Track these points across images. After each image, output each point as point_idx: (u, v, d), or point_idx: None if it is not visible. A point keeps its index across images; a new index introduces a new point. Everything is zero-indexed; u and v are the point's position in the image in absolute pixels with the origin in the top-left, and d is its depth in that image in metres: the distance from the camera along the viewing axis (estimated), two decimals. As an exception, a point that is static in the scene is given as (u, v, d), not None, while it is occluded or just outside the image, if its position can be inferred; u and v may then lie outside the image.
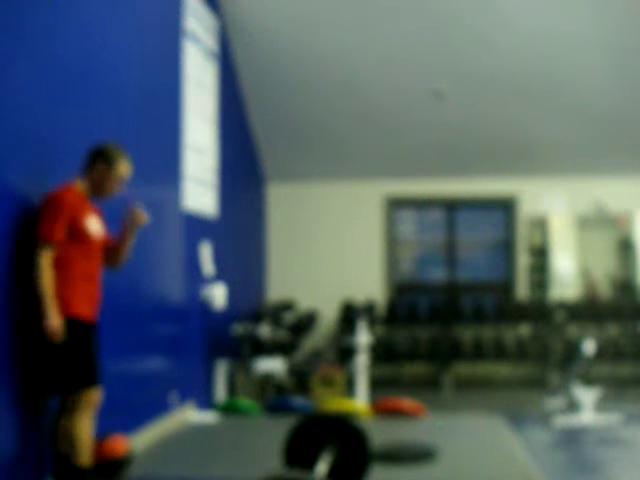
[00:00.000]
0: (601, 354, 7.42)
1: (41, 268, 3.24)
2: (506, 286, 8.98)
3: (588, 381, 7.16)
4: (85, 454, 3.43)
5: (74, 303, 3.35)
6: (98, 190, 3.53)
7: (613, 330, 8.50)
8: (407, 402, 5.82)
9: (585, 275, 8.73)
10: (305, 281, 8.79)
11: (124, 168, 3.54)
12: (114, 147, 3.55)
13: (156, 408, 5.15)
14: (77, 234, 3.37)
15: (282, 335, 6.97)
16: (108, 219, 3.73)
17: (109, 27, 4.43)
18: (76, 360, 3.37)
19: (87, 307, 3.43)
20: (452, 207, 9.14)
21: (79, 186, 3.49)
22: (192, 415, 5.67)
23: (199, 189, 6.12)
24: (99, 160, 3.50)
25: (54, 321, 3.24)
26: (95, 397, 3.46)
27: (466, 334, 8.55)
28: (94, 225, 3.48)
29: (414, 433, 5.15)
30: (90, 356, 3.44)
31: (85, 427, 3.41)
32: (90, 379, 3.42)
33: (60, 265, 3.31)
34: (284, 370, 6.56)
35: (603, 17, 6.78)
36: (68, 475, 3.39)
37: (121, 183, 3.57)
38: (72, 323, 3.33)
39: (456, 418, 5.99)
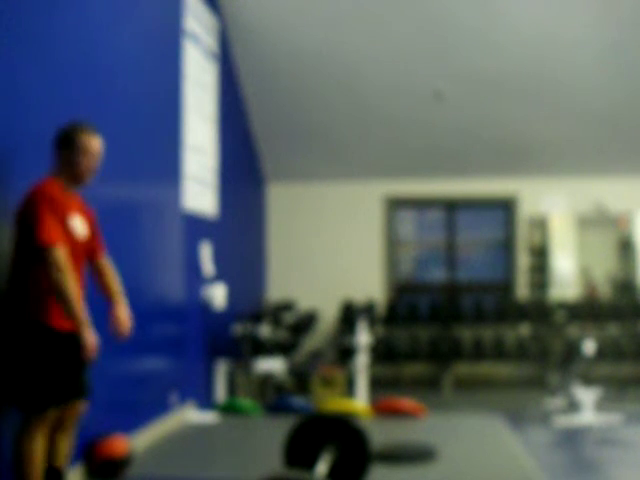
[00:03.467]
0: (601, 354, 7.42)
1: (64, 271, 2.98)
2: (506, 286, 8.97)
3: (588, 381, 7.16)
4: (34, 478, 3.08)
5: (51, 311, 3.04)
6: (73, 176, 3.22)
7: (613, 330, 8.49)
8: (407, 402, 5.83)
9: (585, 275, 8.73)
10: (305, 281, 8.79)
11: (86, 140, 3.21)
12: (70, 125, 3.24)
13: (156, 408, 5.15)
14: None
15: (282, 335, 6.98)
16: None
17: (109, 27, 4.43)
18: (46, 374, 3.05)
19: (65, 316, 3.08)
20: (452, 207, 9.14)
21: (56, 180, 3.20)
22: (192, 415, 5.67)
23: (199, 189, 6.12)
24: (58, 145, 3.22)
25: (91, 337, 3.03)
26: (70, 413, 3.20)
27: (466, 334, 8.55)
28: (78, 225, 3.22)
29: (414, 433, 5.15)
30: (63, 370, 3.10)
31: (41, 449, 3.09)
32: (60, 396, 3.10)
33: (38, 269, 3.02)
34: (284, 370, 6.56)
35: (603, 17, 6.78)
36: None
37: (92, 158, 3.23)
38: (46, 333, 3.04)
39: (456, 418, 5.99)
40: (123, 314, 3.43)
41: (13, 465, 3.08)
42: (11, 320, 3.09)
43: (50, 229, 3.02)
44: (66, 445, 3.30)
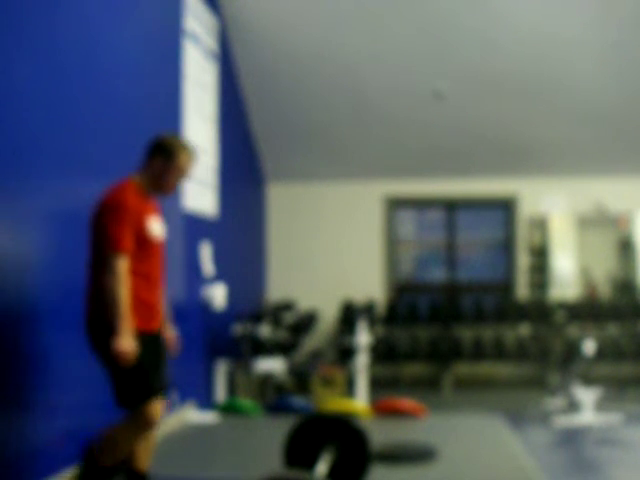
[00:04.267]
0: (601, 354, 7.42)
1: (119, 281, 2.97)
2: (506, 286, 8.97)
3: (588, 381, 7.16)
4: (115, 457, 3.17)
5: (136, 315, 3.09)
6: (158, 186, 3.26)
7: (613, 330, 8.49)
8: (407, 402, 5.83)
9: (585, 275, 8.73)
10: (305, 281, 8.79)
11: (185, 160, 3.25)
12: (173, 138, 3.30)
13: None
14: (141, 240, 3.12)
15: (282, 335, 6.97)
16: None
17: (109, 27, 4.43)
18: (136, 373, 3.10)
19: (149, 318, 3.18)
20: (452, 207, 9.14)
21: (137, 181, 3.23)
22: (192, 415, 5.67)
23: (199, 189, 6.12)
24: (157, 153, 3.23)
25: (127, 342, 2.98)
26: (154, 411, 3.17)
27: (466, 334, 8.55)
28: (156, 227, 3.24)
29: (414, 433, 5.15)
30: (150, 369, 3.16)
31: (132, 443, 3.19)
32: (148, 392, 3.14)
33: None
34: (284, 370, 6.56)
35: (603, 17, 6.78)
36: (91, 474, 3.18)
37: (182, 176, 3.29)
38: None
39: (456, 418, 5.99)
40: (171, 335, 3.47)
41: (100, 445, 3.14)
42: (95, 325, 3.11)
43: (116, 236, 3.02)
44: (148, 445, 3.34)
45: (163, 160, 3.22)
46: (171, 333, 3.49)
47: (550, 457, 5.10)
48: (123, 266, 3.00)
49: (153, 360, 3.19)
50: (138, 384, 3.11)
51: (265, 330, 6.68)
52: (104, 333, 3.05)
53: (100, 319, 3.08)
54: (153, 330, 3.23)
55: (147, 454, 3.38)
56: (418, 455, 4.37)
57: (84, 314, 3.17)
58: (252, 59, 7.36)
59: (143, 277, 3.14)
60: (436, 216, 9.28)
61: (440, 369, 8.22)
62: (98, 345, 3.13)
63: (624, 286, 8.68)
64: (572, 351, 7.11)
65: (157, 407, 3.16)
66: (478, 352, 8.34)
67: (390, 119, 8.07)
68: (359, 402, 6.26)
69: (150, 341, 3.18)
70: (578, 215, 8.72)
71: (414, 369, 8.54)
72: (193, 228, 5.94)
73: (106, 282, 3.00)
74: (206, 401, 6.16)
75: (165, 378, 3.27)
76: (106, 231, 3.04)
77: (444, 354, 8.26)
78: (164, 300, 3.40)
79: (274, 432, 4.27)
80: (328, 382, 6.90)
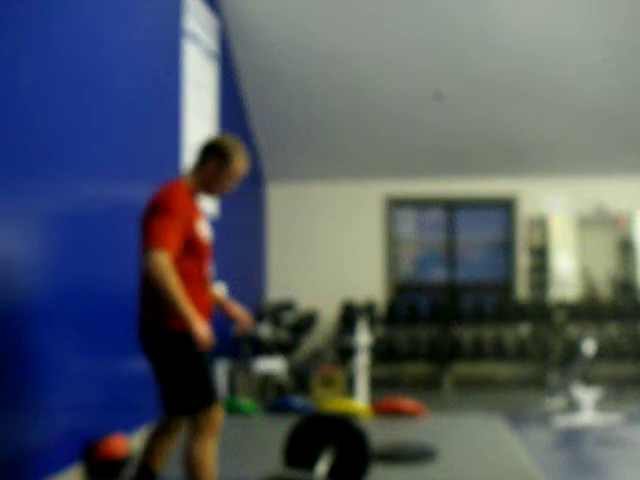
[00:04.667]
0: (601, 354, 7.42)
1: (164, 269, 2.83)
2: (506, 286, 8.98)
3: (588, 381, 7.16)
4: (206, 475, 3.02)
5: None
6: (209, 187, 3.15)
7: (613, 330, 8.50)
8: (407, 402, 5.82)
9: (585, 275, 8.73)
10: (305, 281, 8.79)
11: (240, 165, 3.13)
12: (230, 141, 3.15)
13: (156, 408, 5.14)
14: (190, 242, 3.02)
15: (282, 335, 6.97)
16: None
17: (109, 27, 4.43)
18: (196, 376, 3.03)
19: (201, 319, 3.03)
20: (452, 207, 9.14)
21: (188, 181, 3.13)
22: (192, 415, 5.66)
23: (199, 189, 6.11)
24: (212, 155, 3.11)
25: (200, 327, 2.88)
26: (216, 417, 3.06)
27: (466, 334, 8.55)
28: (204, 228, 3.14)
29: (414, 433, 5.15)
30: (208, 371, 3.09)
31: (210, 451, 3.04)
32: (211, 395, 3.05)
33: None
34: (284, 370, 6.56)
35: (602, 17, 6.78)
36: None
37: (235, 181, 3.17)
38: (185, 338, 2.95)
39: (456, 418, 5.99)
40: (239, 309, 3.40)
41: (186, 472, 3.02)
42: (148, 333, 3.03)
43: (160, 233, 2.90)
44: (168, 450, 3.27)
45: (218, 163, 3.11)
46: (237, 308, 3.39)
47: (550, 457, 5.10)
48: (165, 260, 2.85)
49: (207, 361, 3.09)
50: (200, 387, 3.02)
51: (265, 330, 6.67)
52: (158, 340, 2.99)
53: (154, 326, 3.00)
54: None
55: (165, 456, 3.29)
56: (418, 455, 4.37)
57: (137, 321, 3.09)
58: (252, 59, 7.36)
59: (193, 278, 3.05)
60: (436, 216, 9.28)
61: (440, 369, 8.22)
62: (152, 353, 3.04)
63: (624, 286, 8.68)
64: (572, 351, 7.11)
65: (220, 409, 3.08)
66: (478, 352, 8.34)
67: (390, 119, 8.07)
68: (359, 402, 6.25)
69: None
70: (578, 215, 8.73)
71: (414, 369, 8.54)
72: (193, 228, 5.93)
73: (153, 277, 2.85)
74: (206, 401, 6.15)
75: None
76: (151, 228, 2.92)
77: (444, 354, 8.27)
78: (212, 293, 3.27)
79: (274, 432, 4.27)
80: (328, 382, 6.90)
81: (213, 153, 3.11)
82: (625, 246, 8.76)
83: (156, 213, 2.94)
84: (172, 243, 2.90)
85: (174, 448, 3.32)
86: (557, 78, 7.46)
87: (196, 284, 3.06)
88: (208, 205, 6.36)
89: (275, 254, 8.98)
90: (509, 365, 8.51)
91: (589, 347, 6.56)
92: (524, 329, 8.62)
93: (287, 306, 8.15)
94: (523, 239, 8.87)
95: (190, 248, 3.02)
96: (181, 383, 3.02)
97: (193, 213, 3.06)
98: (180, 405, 3.06)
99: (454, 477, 4.12)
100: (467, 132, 8.17)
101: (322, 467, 3.39)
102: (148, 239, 2.90)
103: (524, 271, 8.84)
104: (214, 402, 3.04)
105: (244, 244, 8.01)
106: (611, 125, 7.98)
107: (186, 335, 2.92)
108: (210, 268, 3.23)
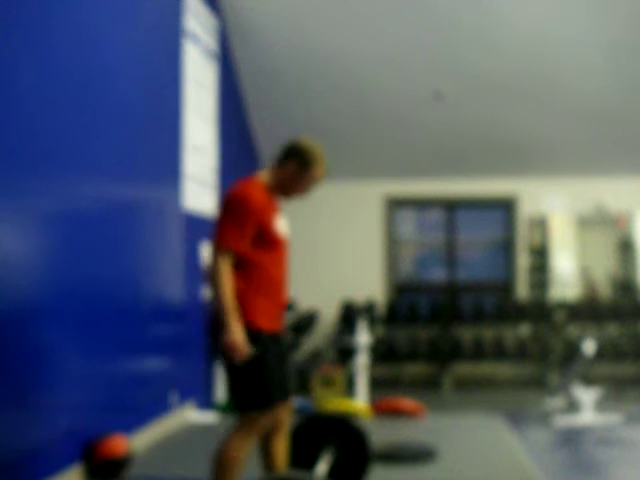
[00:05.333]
0: (601, 354, 7.42)
1: (222, 274, 2.87)
2: (506, 286, 8.97)
3: (588, 381, 7.16)
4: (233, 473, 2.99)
5: (260, 314, 2.98)
6: (285, 189, 3.14)
7: (613, 330, 8.50)
8: (407, 402, 5.83)
9: (585, 275, 8.73)
10: (305, 281, 8.78)
11: (319, 172, 3.10)
12: (313, 146, 3.09)
13: (156, 408, 5.15)
14: (266, 239, 2.99)
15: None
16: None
17: (109, 27, 4.43)
18: (256, 376, 2.97)
19: (274, 318, 3.05)
20: (452, 207, 9.14)
21: (264, 179, 3.10)
22: (192, 415, 5.67)
23: (199, 189, 6.12)
24: (293, 158, 3.07)
25: (237, 335, 2.86)
26: (266, 421, 3.02)
27: (466, 334, 8.55)
28: (282, 225, 3.12)
29: (414, 433, 5.15)
30: (271, 373, 3.00)
31: (245, 452, 3.00)
32: (265, 400, 2.98)
33: (248, 273, 2.96)
34: (284, 370, 6.54)
35: (603, 17, 6.78)
36: None
37: (312, 187, 3.16)
38: (257, 336, 2.95)
39: (456, 418, 5.99)
40: None
41: (214, 465, 3.02)
42: (214, 327, 2.99)
43: (227, 234, 2.92)
44: (283, 448, 3.21)
45: (298, 166, 3.07)
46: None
47: (550, 457, 5.11)
48: (224, 264, 2.88)
49: (275, 363, 3.03)
50: (256, 388, 2.97)
51: (265, 330, 6.66)
52: (220, 334, 2.96)
53: (219, 320, 2.97)
54: (276, 331, 3.09)
55: (282, 455, 3.23)
56: (418, 455, 4.37)
57: (209, 316, 3.08)
58: (252, 59, 7.36)
59: (268, 276, 3.02)
60: (436, 216, 9.28)
61: (440, 369, 8.22)
62: (219, 346, 3.00)
63: (624, 286, 8.68)
64: (572, 351, 7.11)
65: (270, 416, 3.03)
66: (478, 352, 8.34)
67: (390, 119, 8.07)
68: (359, 402, 6.26)
69: (273, 342, 3.04)
70: (578, 215, 8.73)
71: (414, 369, 8.54)
72: (193, 228, 5.94)
73: (211, 278, 2.92)
74: (206, 401, 6.16)
75: (286, 382, 3.12)
76: (220, 227, 2.94)
77: (444, 354, 8.27)
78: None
79: (274, 432, 4.26)
80: (328, 382, 6.90)
81: (295, 156, 3.07)
82: (625, 246, 8.76)
83: (226, 212, 2.96)
84: (237, 243, 2.91)
85: (285, 443, 3.25)
86: (557, 78, 7.45)
87: (272, 282, 3.03)
88: (208, 205, 6.37)
89: (275, 254, 8.96)
90: (509, 365, 8.51)
91: (589, 347, 6.56)
92: (524, 329, 8.62)
93: (287, 306, 8.15)
94: (523, 239, 8.87)
95: (266, 245, 3.00)
96: (240, 381, 2.98)
97: (269, 210, 3.04)
98: (240, 401, 3.01)
99: (454, 477, 4.12)
100: (467, 132, 8.17)
101: (322, 467, 3.39)
102: (215, 238, 2.94)
103: (524, 271, 8.84)
104: (268, 407, 2.98)
105: (244, 244, 8.00)
106: (611, 125, 7.98)
107: (254, 334, 2.93)
108: (287, 266, 3.16)
